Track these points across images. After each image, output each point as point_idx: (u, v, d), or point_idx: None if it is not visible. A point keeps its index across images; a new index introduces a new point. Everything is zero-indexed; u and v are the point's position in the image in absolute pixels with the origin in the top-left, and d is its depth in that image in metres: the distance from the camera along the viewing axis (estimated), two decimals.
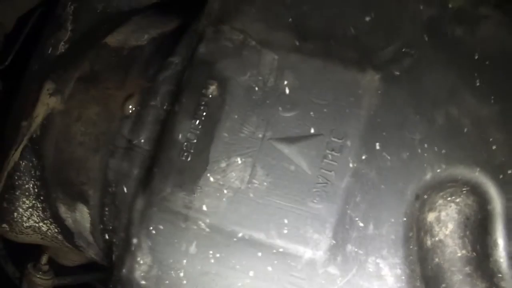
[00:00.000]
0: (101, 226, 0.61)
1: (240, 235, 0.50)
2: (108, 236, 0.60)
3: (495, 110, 0.51)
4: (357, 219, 0.49)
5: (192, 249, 0.51)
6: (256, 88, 0.51)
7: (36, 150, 0.61)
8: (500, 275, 0.51)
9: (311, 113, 0.50)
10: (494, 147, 0.51)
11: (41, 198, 0.64)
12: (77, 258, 0.79)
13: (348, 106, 0.50)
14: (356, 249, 0.49)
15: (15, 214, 0.64)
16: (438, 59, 0.52)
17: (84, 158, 0.59)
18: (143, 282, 0.53)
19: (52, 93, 0.59)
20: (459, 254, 0.53)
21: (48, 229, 0.67)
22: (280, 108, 0.50)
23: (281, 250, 0.49)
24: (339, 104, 0.50)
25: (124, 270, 0.54)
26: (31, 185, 0.63)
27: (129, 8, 0.65)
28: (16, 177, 0.63)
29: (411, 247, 0.51)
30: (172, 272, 0.52)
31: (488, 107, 0.51)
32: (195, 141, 0.51)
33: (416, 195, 0.50)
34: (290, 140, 0.50)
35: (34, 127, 0.59)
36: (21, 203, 0.64)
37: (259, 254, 0.50)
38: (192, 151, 0.51)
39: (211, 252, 0.51)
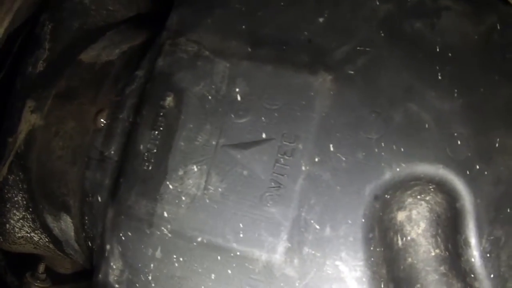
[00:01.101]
0: (84, 234, 0.64)
1: (199, 239, 0.52)
2: (91, 243, 0.64)
3: (458, 104, 0.50)
4: (312, 221, 0.50)
5: (158, 253, 0.53)
6: (210, 97, 0.53)
7: (22, 165, 0.65)
8: (472, 275, 0.50)
9: (263, 118, 0.51)
10: (459, 142, 0.50)
11: (30, 209, 0.68)
12: (71, 266, 0.83)
13: (299, 109, 0.51)
14: (313, 252, 0.50)
15: (7, 225, 0.68)
16: (396, 55, 0.52)
17: (64, 170, 0.63)
18: (116, 285, 0.56)
19: (33, 110, 0.63)
20: (433, 254, 0.53)
21: (39, 239, 0.71)
22: (232, 115, 0.52)
23: (238, 253, 0.51)
24: (291, 107, 0.51)
25: (100, 275, 0.57)
26: (20, 198, 0.67)
27: (105, 24, 0.68)
28: (5, 191, 0.67)
29: (371, 248, 0.51)
30: (141, 275, 0.54)
31: (450, 101, 0.50)
32: (155, 151, 0.54)
33: (375, 195, 0.50)
34: (242, 146, 0.51)
35: (19, 143, 0.63)
36: (12, 215, 0.68)
37: (219, 257, 0.51)
38: (152, 160, 0.54)
39: (174, 256, 0.53)
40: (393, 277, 0.52)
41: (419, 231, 0.53)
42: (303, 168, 0.50)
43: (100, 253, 0.58)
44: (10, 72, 0.72)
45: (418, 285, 0.52)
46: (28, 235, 0.70)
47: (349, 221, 0.50)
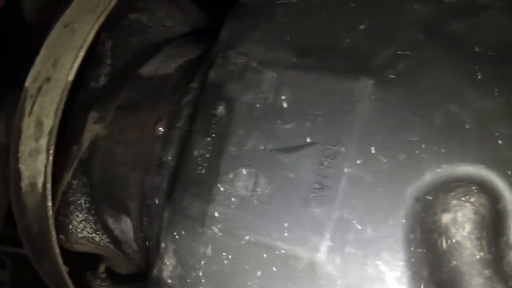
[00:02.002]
0: (142, 234, 0.69)
1: (247, 238, 0.55)
2: (148, 243, 0.68)
3: (499, 103, 0.51)
4: (354, 221, 0.52)
5: (209, 251, 0.57)
6: (258, 105, 0.56)
7: (85, 170, 0.71)
8: None
9: (307, 123, 0.54)
10: (500, 142, 0.50)
11: (92, 211, 0.74)
12: (131, 267, 0.88)
13: (342, 114, 0.53)
14: (354, 251, 0.52)
15: (70, 226, 0.75)
16: (436, 57, 0.53)
17: (125, 175, 0.68)
18: (169, 281, 0.60)
19: (96, 121, 0.69)
20: (477, 256, 0.53)
21: (100, 239, 0.76)
22: (279, 122, 0.55)
23: (283, 251, 0.53)
24: (333, 113, 0.54)
25: (154, 271, 0.62)
26: (82, 201, 0.73)
27: (162, 39, 0.74)
28: (69, 194, 0.74)
29: (412, 249, 0.52)
30: (193, 271, 0.58)
31: (491, 100, 0.51)
32: (208, 156, 0.58)
33: (416, 196, 0.51)
34: (289, 150, 0.54)
35: (83, 150, 0.69)
36: (75, 216, 0.74)
37: (264, 255, 0.54)
38: (205, 165, 0.58)
39: (224, 254, 0.56)
40: (435, 279, 0.53)
41: (464, 234, 0.53)
42: (346, 170, 0.52)
43: (156, 251, 0.62)
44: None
45: None
46: (90, 235, 0.75)
47: (390, 222, 0.52)
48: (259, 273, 0.55)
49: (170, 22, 0.76)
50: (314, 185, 0.53)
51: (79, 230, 0.75)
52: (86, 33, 0.55)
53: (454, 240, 0.53)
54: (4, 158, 0.86)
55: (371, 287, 0.52)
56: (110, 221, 0.72)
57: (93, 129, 0.68)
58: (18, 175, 0.61)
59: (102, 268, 0.84)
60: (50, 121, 0.57)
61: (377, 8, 0.57)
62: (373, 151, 0.53)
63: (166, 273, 0.60)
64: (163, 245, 0.61)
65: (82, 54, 0.57)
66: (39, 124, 0.58)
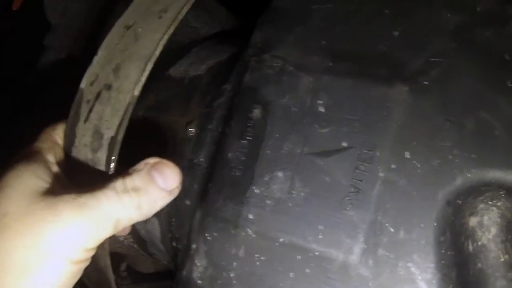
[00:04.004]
0: (170, 235, 0.69)
1: (281, 240, 0.56)
2: (175, 243, 0.69)
3: None
4: (387, 224, 0.53)
5: (241, 252, 0.58)
6: (295, 109, 0.57)
7: None
8: None
9: (344, 128, 0.55)
10: None
11: None
12: (153, 266, 0.88)
13: (377, 119, 0.54)
14: (387, 253, 0.53)
15: None
16: (467, 65, 0.55)
17: None
18: (199, 281, 0.60)
19: None
20: (502, 259, 0.54)
21: (124, 239, 0.76)
22: (316, 126, 0.56)
23: (317, 253, 0.54)
24: (369, 118, 0.55)
25: (184, 272, 0.62)
26: None
27: (189, 40, 0.74)
28: None
29: (442, 251, 0.53)
30: (224, 273, 0.59)
31: None
32: (243, 158, 0.59)
33: (447, 200, 0.53)
34: (325, 153, 0.55)
35: None
36: None
37: (298, 257, 0.55)
38: (240, 167, 0.58)
39: (257, 255, 0.57)
40: (462, 281, 0.54)
41: (490, 237, 0.54)
42: (380, 174, 0.53)
43: (186, 252, 0.63)
44: None
45: None
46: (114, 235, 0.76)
47: (422, 225, 0.53)
48: (291, 274, 0.56)
49: (197, 24, 0.76)
50: (349, 189, 0.54)
51: None
52: (154, 44, 0.53)
53: (480, 243, 0.54)
54: None
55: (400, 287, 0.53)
56: (137, 222, 0.72)
57: None
58: None
59: (123, 267, 0.85)
60: (111, 134, 0.54)
61: (411, 15, 0.58)
62: (407, 156, 0.54)
63: (196, 274, 0.61)
64: (194, 246, 0.61)
65: (150, 67, 0.54)
66: (98, 134, 0.55)
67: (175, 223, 0.67)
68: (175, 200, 0.66)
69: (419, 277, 0.53)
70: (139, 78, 0.55)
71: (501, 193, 0.53)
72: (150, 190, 0.52)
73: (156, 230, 0.71)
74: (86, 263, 0.51)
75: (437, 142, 0.54)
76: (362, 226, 0.53)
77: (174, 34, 0.63)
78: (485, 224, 0.55)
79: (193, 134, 0.65)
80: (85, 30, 0.92)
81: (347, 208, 0.54)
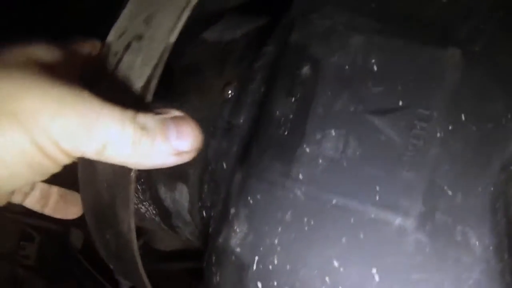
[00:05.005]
0: (199, 204, 0.66)
1: (334, 201, 0.53)
2: (206, 213, 0.65)
3: None
4: (445, 187, 0.51)
5: (288, 216, 0.55)
6: (346, 67, 0.55)
7: None
8: None
9: (399, 87, 0.53)
10: None
11: (141, 180, 0.70)
12: (171, 244, 0.84)
13: (432, 80, 0.53)
14: (445, 218, 0.51)
15: None
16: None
17: None
18: (238, 249, 0.57)
19: None
20: None
21: (146, 211, 0.72)
22: (369, 84, 0.54)
23: (372, 216, 0.52)
24: (424, 78, 0.53)
25: (220, 239, 0.59)
26: None
27: (218, 9, 0.71)
28: None
29: (498, 218, 0.52)
30: (267, 239, 0.55)
31: None
32: (291, 117, 0.56)
33: (502, 165, 0.51)
34: (380, 112, 0.53)
35: None
36: None
37: (352, 220, 0.52)
38: (288, 125, 0.56)
39: (305, 219, 0.54)
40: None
41: None
42: (438, 134, 0.52)
43: (222, 218, 0.59)
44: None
45: None
46: (136, 206, 0.72)
47: (479, 189, 0.51)
48: (344, 239, 0.53)
49: None
50: (407, 148, 0.52)
51: None
52: None
53: None
54: None
55: (458, 254, 0.51)
56: (162, 190, 0.68)
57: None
58: None
59: (139, 243, 0.81)
60: (141, 83, 0.51)
61: None
62: (463, 118, 0.52)
63: (234, 240, 0.57)
64: (232, 210, 0.58)
65: (186, 15, 0.50)
66: (128, 83, 0.52)
67: (207, 190, 0.64)
68: (209, 164, 0.63)
69: (476, 243, 0.51)
70: (174, 25, 0.51)
71: None
72: (157, 138, 0.45)
73: (184, 199, 0.67)
74: (50, 167, 0.46)
75: (490, 106, 0.52)
76: (421, 188, 0.51)
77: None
78: None
79: (231, 97, 0.62)
80: None
81: (405, 169, 0.52)
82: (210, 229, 0.63)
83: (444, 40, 0.55)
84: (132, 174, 0.51)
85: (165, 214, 0.71)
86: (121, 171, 0.53)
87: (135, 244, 0.56)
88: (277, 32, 0.62)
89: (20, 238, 1.03)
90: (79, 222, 0.99)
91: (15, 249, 1.02)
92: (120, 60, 0.53)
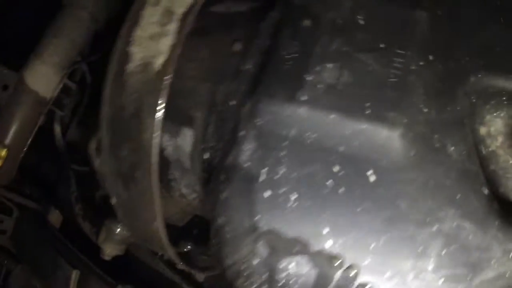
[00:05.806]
0: (202, 146, 0.73)
1: (332, 116, 0.64)
2: (208, 154, 0.73)
3: None
4: (421, 105, 0.64)
5: (292, 132, 0.65)
6: (339, 21, 0.69)
7: None
8: None
9: (380, 35, 0.68)
10: None
11: None
12: (170, 208, 0.87)
13: (405, 32, 0.68)
14: (423, 129, 0.63)
15: None
16: None
17: (194, 87, 0.75)
18: (246, 164, 0.66)
19: None
20: (510, 162, 0.67)
21: None
22: (357, 32, 0.68)
23: (364, 126, 0.63)
24: (399, 30, 0.68)
25: (229, 159, 0.67)
26: None
27: None
28: None
29: (467, 130, 0.66)
30: (274, 152, 0.65)
31: None
32: (296, 55, 0.68)
33: (465, 92, 0.67)
34: (366, 50, 0.67)
35: None
36: None
37: (347, 132, 0.64)
38: (293, 61, 0.68)
39: (308, 133, 0.64)
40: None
41: (498, 144, 0.68)
42: (412, 67, 0.66)
43: (231, 142, 0.68)
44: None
45: (502, 190, 0.66)
46: None
47: (448, 108, 0.65)
48: (341, 148, 0.64)
49: None
50: (389, 76, 0.65)
51: None
52: None
53: (490, 149, 0.68)
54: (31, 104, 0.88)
55: (438, 157, 0.63)
56: (165, 138, 0.75)
57: None
58: (125, 57, 0.66)
59: None
60: (182, 10, 0.62)
61: None
62: (431, 58, 0.67)
63: (243, 157, 0.66)
64: (242, 133, 0.67)
65: None
66: (169, 13, 0.63)
67: (213, 129, 0.72)
68: (215, 106, 0.72)
69: (452, 148, 0.64)
70: None
71: (504, 99, 0.67)
72: None
73: (186, 144, 0.74)
74: None
75: (452, 50, 0.68)
76: (402, 105, 0.64)
77: None
78: (492, 134, 0.68)
79: (240, 50, 0.73)
80: None
81: (389, 89, 0.64)
82: (215, 161, 0.70)
83: (414, 3, 0.70)
84: (166, 82, 0.61)
85: (162, 166, 0.76)
86: (153, 83, 0.62)
87: (155, 155, 0.63)
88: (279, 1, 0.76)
89: None
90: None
91: None
92: None
